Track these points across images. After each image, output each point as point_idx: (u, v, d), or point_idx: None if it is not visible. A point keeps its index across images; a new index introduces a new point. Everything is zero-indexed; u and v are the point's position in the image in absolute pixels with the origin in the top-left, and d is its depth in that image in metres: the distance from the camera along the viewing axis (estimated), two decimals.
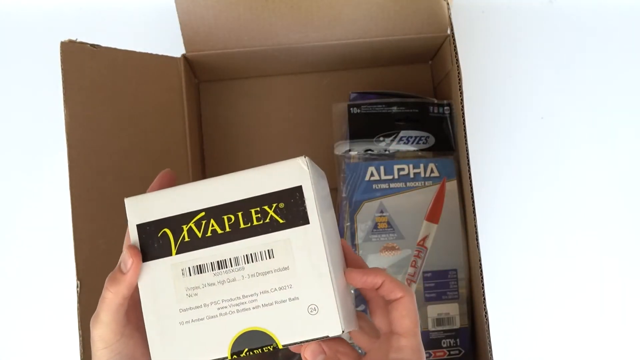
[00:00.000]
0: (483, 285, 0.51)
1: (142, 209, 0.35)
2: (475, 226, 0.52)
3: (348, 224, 0.58)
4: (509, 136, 0.66)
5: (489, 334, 0.51)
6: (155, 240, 0.34)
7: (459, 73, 0.54)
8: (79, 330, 0.45)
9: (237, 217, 0.33)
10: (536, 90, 0.66)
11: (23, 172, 0.66)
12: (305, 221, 0.33)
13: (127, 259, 0.34)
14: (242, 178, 0.33)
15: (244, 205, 0.33)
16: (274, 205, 0.33)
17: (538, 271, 0.64)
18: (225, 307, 0.34)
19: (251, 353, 0.34)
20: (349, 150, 0.59)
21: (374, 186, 0.59)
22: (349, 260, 0.39)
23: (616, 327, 0.63)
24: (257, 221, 0.33)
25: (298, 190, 0.33)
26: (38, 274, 0.64)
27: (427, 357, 0.58)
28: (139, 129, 0.56)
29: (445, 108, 0.60)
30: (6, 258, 0.65)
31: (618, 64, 0.67)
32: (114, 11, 0.68)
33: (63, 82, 0.49)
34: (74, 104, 0.50)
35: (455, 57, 0.54)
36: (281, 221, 0.33)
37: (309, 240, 0.33)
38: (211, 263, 0.34)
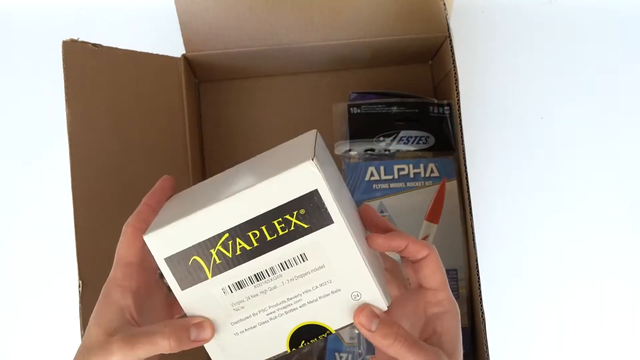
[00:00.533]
0: (480, 285, 0.51)
1: (165, 242, 0.34)
2: (472, 226, 0.52)
3: None
4: (509, 136, 0.66)
5: (485, 334, 0.51)
6: (188, 269, 0.34)
7: (456, 73, 0.54)
8: (81, 330, 0.45)
9: (262, 232, 0.33)
10: (536, 90, 0.66)
11: (24, 172, 0.66)
12: (330, 221, 0.33)
13: (207, 330, 0.35)
14: (256, 193, 0.33)
15: (265, 219, 0.33)
16: (295, 212, 0.33)
17: (538, 271, 0.64)
18: (274, 312, 0.35)
19: (309, 343, 0.36)
20: (349, 150, 0.59)
21: (374, 186, 0.59)
22: (374, 223, 0.39)
23: (615, 327, 0.63)
24: (282, 231, 0.33)
25: (315, 194, 0.32)
26: (39, 274, 0.64)
27: None
28: (139, 128, 0.56)
29: (445, 108, 0.60)
30: (8, 258, 0.65)
31: (618, 63, 0.67)
32: (114, 11, 0.68)
33: (65, 81, 0.49)
34: (75, 103, 0.50)
35: (452, 57, 0.54)
36: (306, 226, 0.33)
37: (337, 237, 0.33)
38: (249, 277, 0.34)
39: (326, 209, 0.33)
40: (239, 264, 0.34)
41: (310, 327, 0.35)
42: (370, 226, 0.39)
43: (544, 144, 0.66)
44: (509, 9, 0.68)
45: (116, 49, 0.54)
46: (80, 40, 0.50)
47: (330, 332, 0.35)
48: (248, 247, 0.33)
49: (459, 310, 0.38)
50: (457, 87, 0.54)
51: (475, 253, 0.52)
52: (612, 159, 0.65)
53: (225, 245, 0.33)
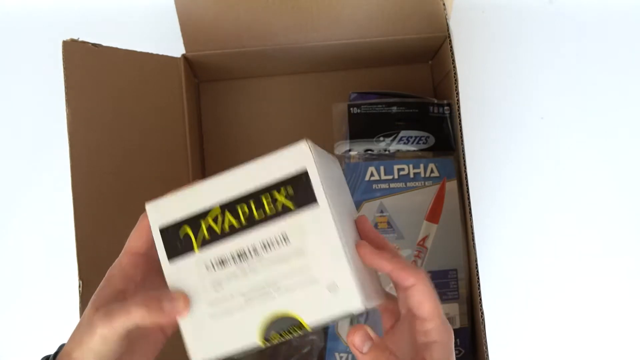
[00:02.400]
0: (479, 285, 0.52)
1: (162, 212, 0.36)
2: (472, 226, 0.53)
3: None
4: (509, 136, 0.66)
5: (485, 334, 0.51)
6: (178, 240, 0.36)
7: (455, 74, 0.54)
8: None
9: (250, 208, 0.34)
10: (536, 90, 0.66)
11: (24, 172, 0.66)
12: (315, 203, 0.34)
13: (179, 302, 0.35)
14: (250, 168, 0.34)
15: (255, 195, 0.34)
16: (283, 191, 0.34)
17: (538, 271, 0.64)
18: (251, 296, 0.35)
19: (282, 338, 0.35)
20: (349, 150, 0.59)
21: (374, 186, 0.59)
22: (369, 237, 0.39)
23: (615, 327, 0.63)
24: (269, 209, 0.34)
25: (304, 173, 0.34)
26: (40, 274, 0.65)
27: None
28: (140, 128, 0.56)
29: (445, 108, 0.60)
30: (8, 258, 0.65)
31: (618, 63, 0.67)
32: (114, 11, 0.68)
33: (65, 80, 0.49)
34: (75, 103, 0.50)
35: (452, 57, 0.54)
36: (292, 206, 0.34)
37: (320, 221, 0.34)
38: (232, 256, 0.35)
39: (312, 189, 0.34)
40: (225, 239, 0.35)
41: (285, 319, 0.35)
42: (364, 238, 0.39)
43: (544, 144, 0.66)
44: (509, 9, 0.68)
45: (116, 48, 0.54)
46: (80, 40, 0.50)
47: (305, 329, 0.35)
48: (236, 224, 0.35)
49: (452, 337, 0.37)
50: (457, 87, 0.54)
51: (475, 253, 0.52)
52: (612, 159, 0.65)
53: (215, 220, 0.35)
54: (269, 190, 0.34)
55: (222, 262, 0.35)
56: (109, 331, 0.34)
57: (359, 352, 0.34)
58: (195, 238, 0.35)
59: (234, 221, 0.35)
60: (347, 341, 0.35)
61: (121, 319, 0.34)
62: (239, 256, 0.35)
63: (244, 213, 0.34)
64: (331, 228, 0.34)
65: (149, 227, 0.37)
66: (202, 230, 0.35)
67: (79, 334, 0.35)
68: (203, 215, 0.35)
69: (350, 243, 0.36)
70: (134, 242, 0.38)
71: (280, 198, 0.34)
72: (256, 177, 0.34)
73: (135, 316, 0.34)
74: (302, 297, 0.35)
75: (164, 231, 0.36)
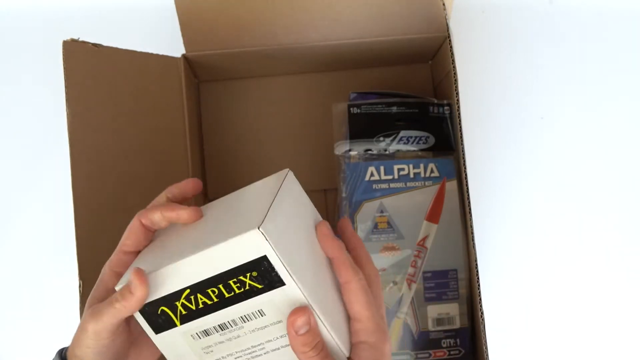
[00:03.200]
0: (479, 285, 0.52)
1: None
2: (471, 226, 0.53)
3: None
4: (509, 136, 0.66)
5: (484, 334, 0.51)
6: (158, 317, 0.36)
7: (455, 74, 0.54)
8: None
9: (219, 289, 0.35)
10: (536, 90, 0.67)
11: (25, 171, 0.66)
12: (282, 283, 0.34)
13: (136, 282, 0.35)
14: (211, 255, 0.34)
15: (221, 279, 0.34)
16: (248, 274, 0.34)
17: (538, 271, 0.64)
18: (240, 356, 0.37)
19: None
20: (349, 150, 0.59)
21: (374, 186, 0.59)
22: (324, 246, 0.39)
23: (615, 327, 0.63)
24: (238, 290, 0.34)
25: (264, 259, 0.34)
26: (39, 274, 0.64)
27: (427, 357, 0.58)
28: (140, 128, 0.56)
29: (445, 108, 0.60)
30: (8, 257, 0.65)
31: (618, 63, 0.67)
32: (114, 11, 0.68)
33: (65, 81, 0.49)
34: (76, 103, 0.50)
35: (452, 57, 0.54)
36: (259, 286, 0.34)
37: (290, 296, 0.35)
38: (214, 327, 0.36)
39: (277, 272, 0.34)
40: (203, 315, 0.35)
41: None
42: (322, 247, 0.39)
43: (544, 144, 0.66)
44: (509, 9, 0.68)
45: (116, 48, 0.54)
46: (80, 40, 0.50)
47: None
48: (209, 302, 0.35)
49: (385, 341, 0.38)
50: (456, 87, 0.54)
51: (475, 253, 0.52)
52: (612, 158, 0.65)
53: (187, 299, 0.35)
54: (234, 275, 0.34)
55: (206, 332, 0.36)
56: (100, 327, 0.35)
57: (294, 332, 0.35)
58: (174, 315, 0.36)
59: (206, 300, 0.35)
60: (287, 319, 0.35)
61: (108, 314, 0.35)
62: (220, 327, 0.36)
63: (214, 292, 0.35)
64: (301, 299, 0.35)
65: (140, 228, 0.39)
66: (178, 308, 0.36)
67: (77, 333, 0.36)
68: (175, 295, 0.35)
69: (319, 299, 0.36)
70: (123, 240, 0.39)
71: (247, 281, 0.34)
72: (219, 263, 0.34)
73: (118, 308, 0.35)
74: (288, 355, 0.36)
75: (143, 311, 0.36)
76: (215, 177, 0.65)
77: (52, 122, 0.61)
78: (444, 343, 0.58)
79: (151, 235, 0.40)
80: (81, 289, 0.47)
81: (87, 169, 0.50)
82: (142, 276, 0.35)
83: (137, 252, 0.39)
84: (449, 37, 0.56)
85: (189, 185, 0.42)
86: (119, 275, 0.38)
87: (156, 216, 0.39)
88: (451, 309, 0.58)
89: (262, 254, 0.33)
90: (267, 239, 0.33)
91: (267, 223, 0.34)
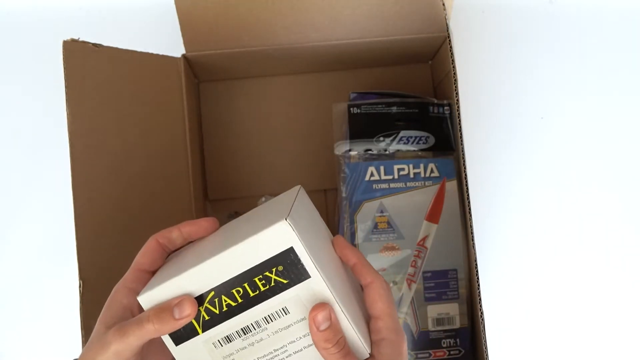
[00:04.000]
0: (479, 285, 0.52)
1: (157, 302, 0.36)
2: (471, 226, 0.53)
3: (348, 224, 0.58)
4: (509, 136, 0.66)
5: (484, 334, 0.51)
6: (181, 327, 0.36)
7: (455, 74, 0.54)
8: (82, 330, 0.45)
9: (244, 288, 0.35)
10: (536, 90, 0.67)
11: (25, 172, 0.66)
12: (307, 276, 0.35)
13: (184, 306, 0.35)
14: (236, 252, 0.35)
15: (246, 277, 0.35)
16: (274, 269, 0.35)
17: (538, 271, 0.64)
18: None
19: None
20: (349, 150, 0.59)
21: (374, 186, 0.59)
22: (345, 255, 0.40)
23: (615, 327, 0.63)
24: (263, 287, 0.35)
25: (291, 251, 0.34)
26: (40, 274, 0.64)
27: (427, 357, 0.58)
28: (139, 128, 0.56)
29: (445, 108, 0.60)
30: (8, 257, 0.65)
31: (618, 64, 0.67)
32: (114, 11, 0.68)
33: (65, 80, 0.49)
34: (76, 103, 0.50)
35: (452, 57, 0.54)
36: (285, 282, 0.35)
37: (315, 290, 0.35)
38: (236, 332, 0.36)
39: (302, 264, 0.34)
40: (226, 319, 0.36)
41: None
42: (341, 254, 0.40)
43: (544, 144, 0.66)
44: (509, 9, 0.68)
45: (116, 48, 0.54)
46: (80, 40, 0.50)
47: None
48: (233, 304, 0.35)
49: (403, 340, 0.39)
50: (456, 87, 0.54)
51: (475, 253, 0.52)
52: (612, 158, 0.65)
53: (212, 303, 0.36)
54: (260, 271, 0.35)
55: (228, 339, 0.36)
56: (123, 347, 0.34)
57: (316, 328, 0.35)
58: (197, 322, 0.36)
59: (230, 302, 0.35)
60: (309, 316, 0.35)
61: (135, 334, 0.34)
62: (243, 331, 0.36)
63: (239, 293, 0.35)
64: (327, 295, 0.35)
65: (156, 247, 0.39)
66: (202, 313, 0.36)
67: (91, 353, 0.35)
68: (199, 300, 0.35)
69: (342, 294, 0.37)
70: (139, 259, 0.39)
71: (273, 276, 0.35)
72: (244, 260, 0.35)
73: (149, 330, 0.34)
74: (311, 356, 0.36)
75: None
76: (215, 177, 0.65)
77: (52, 122, 0.61)
78: (443, 343, 0.58)
79: (166, 255, 0.40)
80: (81, 289, 0.47)
81: (87, 169, 0.50)
82: (195, 305, 0.35)
83: (153, 272, 0.39)
84: (448, 37, 0.56)
85: (206, 225, 0.41)
86: (134, 292, 0.38)
87: (174, 234, 0.39)
88: (451, 309, 0.58)
89: (289, 246, 0.34)
90: (294, 229, 0.34)
91: (293, 215, 0.34)
